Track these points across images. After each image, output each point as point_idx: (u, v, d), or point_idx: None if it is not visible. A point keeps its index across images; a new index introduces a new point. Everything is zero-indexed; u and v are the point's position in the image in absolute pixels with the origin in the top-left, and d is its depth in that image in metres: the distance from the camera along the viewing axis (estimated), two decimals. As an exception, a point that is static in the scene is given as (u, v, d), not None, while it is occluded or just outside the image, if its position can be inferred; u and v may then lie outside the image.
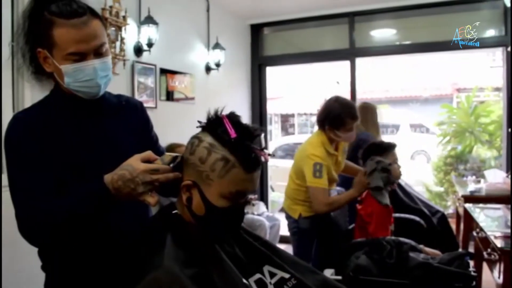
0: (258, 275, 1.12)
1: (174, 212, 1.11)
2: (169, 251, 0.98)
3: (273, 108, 10.03)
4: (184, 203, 1.07)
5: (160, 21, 3.28)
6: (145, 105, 1.43)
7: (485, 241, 2.43)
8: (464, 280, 1.83)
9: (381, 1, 4.28)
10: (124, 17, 2.99)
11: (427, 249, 2.23)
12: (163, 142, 1.55)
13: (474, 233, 2.69)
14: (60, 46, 1.11)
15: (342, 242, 2.39)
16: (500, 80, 5.01)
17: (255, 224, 3.84)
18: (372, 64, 9.06)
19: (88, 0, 1.17)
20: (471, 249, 3.19)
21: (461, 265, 1.89)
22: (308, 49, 4.91)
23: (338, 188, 2.68)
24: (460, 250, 3.03)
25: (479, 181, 4.04)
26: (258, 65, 5.01)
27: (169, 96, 3.59)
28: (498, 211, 2.92)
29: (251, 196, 3.77)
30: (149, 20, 3.22)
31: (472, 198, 3.56)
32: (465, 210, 3.24)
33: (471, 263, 1.95)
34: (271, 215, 4.43)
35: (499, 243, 2.14)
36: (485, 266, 2.75)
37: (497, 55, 7.10)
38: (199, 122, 1.08)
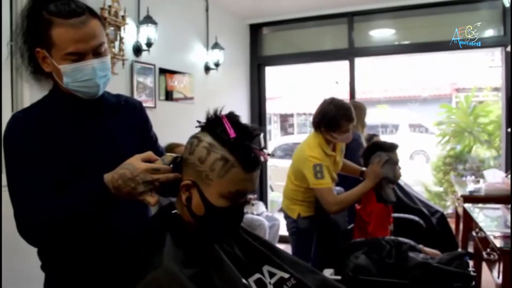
0: (257, 275, 1.12)
1: (173, 212, 1.10)
2: (169, 251, 0.98)
3: (272, 108, 10.03)
4: (183, 203, 1.07)
5: (159, 21, 3.28)
6: (144, 105, 1.42)
7: (485, 241, 2.43)
8: (463, 280, 1.83)
9: (380, 1, 4.28)
10: (123, 16, 2.99)
11: (427, 249, 2.23)
12: (162, 142, 1.55)
13: (474, 233, 2.69)
14: (58, 46, 1.11)
15: (342, 242, 2.39)
16: (499, 80, 5.02)
17: (255, 224, 3.84)
18: (371, 64, 9.08)
19: (87, -1, 1.17)
20: (470, 249, 3.20)
21: (461, 265, 1.90)
22: (307, 49, 4.91)
23: (337, 188, 2.67)
24: (460, 250, 3.04)
25: (478, 181, 4.04)
26: (257, 65, 5.01)
27: (168, 96, 3.59)
28: (498, 211, 2.92)
29: (250, 196, 3.78)
30: (148, 19, 3.21)
31: (471, 198, 3.57)
32: (464, 210, 3.24)
33: (471, 263, 1.96)
34: (271, 215, 4.43)
35: (498, 243, 2.14)
36: (484, 266, 2.76)
37: (496, 55, 7.12)
38: (198, 122, 1.08)
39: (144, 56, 3.28)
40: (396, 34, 4.62)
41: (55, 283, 1.22)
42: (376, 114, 9.96)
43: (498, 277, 2.21)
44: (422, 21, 4.47)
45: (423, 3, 4.19)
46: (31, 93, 2.22)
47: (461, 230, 3.81)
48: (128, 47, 3.13)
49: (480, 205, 3.15)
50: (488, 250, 2.31)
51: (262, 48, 5.05)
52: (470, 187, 3.83)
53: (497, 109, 5.67)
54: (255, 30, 4.98)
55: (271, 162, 5.81)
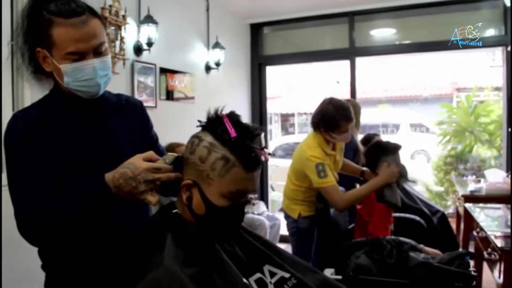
0: (258, 275, 1.12)
1: (174, 211, 1.10)
2: (169, 250, 0.98)
3: (273, 107, 10.03)
4: (184, 202, 1.07)
5: (159, 21, 3.28)
6: (145, 104, 1.42)
7: (485, 241, 2.43)
8: (464, 280, 1.83)
9: (381, 1, 4.28)
10: (123, 16, 2.99)
11: (427, 249, 2.23)
12: (163, 141, 1.55)
13: (474, 233, 2.68)
14: (59, 45, 1.11)
15: (342, 241, 2.39)
16: (500, 79, 5.01)
17: (255, 223, 3.84)
18: (372, 64, 9.07)
19: (88, -1, 1.17)
20: (471, 249, 3.19)
21: (462, 264, 1.89)
22: (308, 48, 4.91)
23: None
24: (460, 249, 3.04)
25: (479, 181, 4.04)
26: (258, 64, 5.01)
27: (169, 96, 3.59)
28: (498, 210, 2.92)
29: (251, 196, 3.77)
30: (149, 19, 3.21)
31: (472, 198, 3.56)
32: (465, 210, 3.24)
33: (472, 262, 1.95)
34: (271, 215, 4.43)
35: (499, 243, 2.14)
36: (485, 265, 2.75)
37: (497, 54, 7.10)
38: (199, 121, 1.08)
39: (145, 56, 3.28)
40: (397, 34, 4.61)
41: (56, 282, 1.22)
42: (377, 114, 9.96)
43: (499, 277, 2.21)
44: (423, 21, 4.47)
45: (424, 3, 4.19)
46: (32, 93, 2.22)
47: (462, 230, 3.81)
48: (129, 46, 3.14)
49: (481, 205, 3.15)
50: (489, 250, 2.31)
51: (263, 48, 5.05)
52: (471, 186, 3.83)
53: (498, 109, 5.67)
54: (256, 30, 4.98)
55: (271, 162, 5.81)
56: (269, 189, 5.24)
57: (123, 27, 2.99)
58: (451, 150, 6.09)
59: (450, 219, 3.25)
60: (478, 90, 7.23)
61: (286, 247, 1.81)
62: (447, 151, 6.15)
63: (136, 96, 3.12)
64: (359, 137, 3.47)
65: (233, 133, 1.01)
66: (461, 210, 3.88)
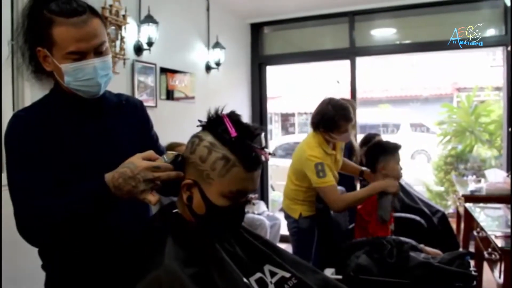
0: (258, 274, 1.11)
1: (174, 211, 1.10)
2: (170, 250, 0.98)
3: (273, 107, 10.03)
4: (184, 202, 1.07)
5: (160, 20, 3.27)
6: (145, 104, 1.42)
7: (486, 241, 2.43)
8: (464, 280, 1.83)
9: (381, 1, 4.28)
10: (124, 16, 2.99)
11: (428, 249, 2.23)
12: (163, 141, 1.55)
13: (475, 233, 2.68)
14: (60, 45, 1.10)
15: (342, 241, 2.39)
16: (500, 79, 5.01)
17: (256, 223, 3.84)
18: (372, 63, 9.06)
19: (88, -1, 1.17)
20: (471, 249, 3.19)
21: (462, 264, 1.89)
22: (308, 48, 4.91)
23: (338, 187, 2.67)
24: (461, 249, 3.03)
25: (479, 181, 4.04)
26: (258, 64, 5.00)
27: (169, 95, 3.59)
28: (499, 210, 2.92)
29: (251, 195, 3.77)
30: (149, 19, 3.21)
31: (473, 198, 3.56)
32: (466, 210, 3.24)
33: (472, 262, 1.95)
34: (272, 215, 4.43)
35: (499, 243, 2.14)
36: (485, 265, 2.75)
37: (498, 54, 7.09)
38: (200, 121, 1.08)
39: (145, 56, 3.28)
40: (397, 34, 4.61)
41: (56, 282, 1.22)
42: (377, 114, 9.96)
43: (499, 277, 2.21)
44: (423, 21, 4.47)
45: (424, 3, 4.19)
46: (32, 92, 2.22)
47: (462, 230, 3.81)
48: (129, 46, 3.13)
49: (481, 204, 3.15)
50: (489, 250, 2.31)
51: (263, 48, 5.04)
52: (471, 186, 3.82)
53: (499, 109, 5.67)
54: (256, 30, 4.98)
55: (272, 162, 5.81)
56: (269, 189, 5.24)
57: (123, 27, 2.98)
58: (452, 150, 6.09)
59: (450, 219, 3.25)
60: (479, 90, 7.23)
61: (287, 247, 1.81)
62: (447, 151, 6.15)
63: (136, 95, 3.12)
64: (359, 137, 3.48)
65: (233, 132, 1.01)
66: (461, 210, 3.88)
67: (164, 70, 3.50)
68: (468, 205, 3.16)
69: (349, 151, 3.24)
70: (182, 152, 1.10)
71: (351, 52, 4.57)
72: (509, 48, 3.92)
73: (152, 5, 3.27)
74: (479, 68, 9.28)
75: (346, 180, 2.89)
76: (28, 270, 1.85)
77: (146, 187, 1.03)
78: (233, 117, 1.06)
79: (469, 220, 3.25)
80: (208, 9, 4.11)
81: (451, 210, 5.16)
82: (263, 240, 1.23)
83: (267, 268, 1.14)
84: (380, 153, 2.45)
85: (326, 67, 9.41)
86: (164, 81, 3.51)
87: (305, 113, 11.32)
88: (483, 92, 7.98)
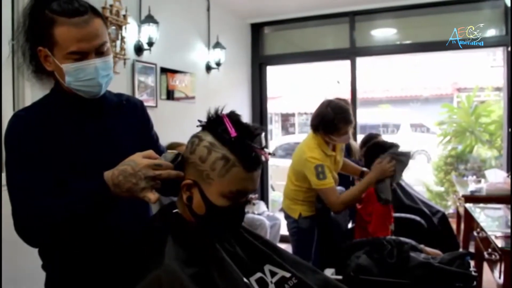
0: (259, 274, 1.12)
1: (174, 211, 1.10)
2: (170, 250, 0.98)
3: (273, 107, 10.03)
4: (184, 202, 1.07)
5: (160, 20, 3.27)
6: (145, 104, 1.42)
7: (486, 241, 2.43)
8: (464, 280, 1.83)
9: (382, 1, 4.28)
10: (124, 16, 2.99)
11: (428, 249, 2.23)
12: (164, 141, 1.55)
13: (475, 233, 2.68)
14: (61, 45, 1.10)
15: (342, 241, 2.39)
16: (500, 80, 5.01)
17: (256, 223, 3.84)
18: (372, 64, 9.05)
19: (89, -1, 1.17)
20: (471, 249, 3.19)
21: (462, 265, 1.89)
22: (308, 48, 4.91)
23: (338, 187, 2.67)
24: (461, 250, 3.04)
25: (479, 181, 4.04)
26: (259, 64, 5.00)
27: (170, 95, 3.59)
28: (499, 211, 2.92)
29: (251, 196, 3.77)
30: (150, 19, 3.21)
31: (473, 198, 3.56)
32: (466, 210, 3.24)
33: (472, 263, 1.95)
34: (272, 215, 4.43)
35: (499, 243, 2.14)
36: (485, 266, 2.75)
37: (498, 54, 7.09)
38: (200, 121, 1.08)
39: (146, 56, 3.28)
40: (398, 34, 4.61)
41: (56, 282, 1.22)
42: (377, 114, 9.96)
43: (500, 277, 2.21)
44: (424, 21, 4.47)
45: (425, 3, 4.19)
46: (33, 92, 2.22)
47: (462, 230, 3.81)
48: (130, 46, 3.14)
49: (481, 205, 3.15)
50: (489, 250, 2.31)
51: (264, 48, 5.04)
52: (472, 187, 3.83)
53: (499, 109, 5.67)
54: (257, 30, 4.98)
55: (272, 162, 5.81)
56: (269, 189, 5.24)
57: (123, 27, 2.98)
58: (452, 150, 6.09)
59: (450, 219, 3.25)
60: (479, 90, 7.23)
61: (287, 247, 1.81)
62: (447, 151, 6.15)
63: (137, 95, 3.12)
64: (359, 137, 3.48)
65: (233, 132, 1.01)
66: (461, 210, 3.88)
67: (164, 70, 3.50)
68: (468, 205, 3.16)
69: (347, 149, 3.24)
70: (182, 152, 1.10)
71: (351, 52, 4.57)
72: (509, 49, 3.92)
73: (153, 5, 3.27)
74: (480, 69, 9.28)
75: (347, 181, 2.89)
76: (28, 270, 1.85)
77: (147, 184, 1.03)
78: (233, 117, 1.06)
79: (469, 220, 3.25)
80: (208, 9, 4.11)
81: (451, 211, 5.16)
82: (263, 240, 1.23)
83: (267, 268, 1.14)
84: (378, 152, 2.45)
85: (326, 67, 9.40)
86: (164, 81, 3.51)
87: (305, 113, 11.33)
88: (483, 93, 7.98)
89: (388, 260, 1.93)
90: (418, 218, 2.80)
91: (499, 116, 5.64)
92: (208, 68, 4.13)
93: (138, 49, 3.21)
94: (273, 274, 1.14)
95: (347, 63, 4.63)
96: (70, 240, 1.12)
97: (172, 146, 3.04)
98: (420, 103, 10.73)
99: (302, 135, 9.34)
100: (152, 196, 1.04)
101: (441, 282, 1.84)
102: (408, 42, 4.64)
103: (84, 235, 1.12)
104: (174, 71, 3.63)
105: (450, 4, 4.19)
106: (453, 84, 10.35)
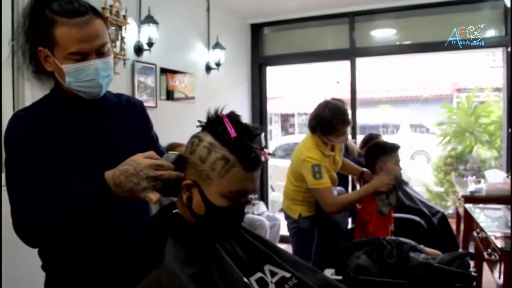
0: (259, 274, 1.12)
1: (174, 211, 1.10)
2: (170, 250, 0.98)
3: (273, 107, 10.03)
4: (184, 202, 1.07)
5: (160, 21, 3.28)
6: (145, 104, 1.42)
7: (486, 242, 2.43)
8: (464, 281, 1.83)
9: (382, 1, 4.28)
10: (124, 16, 2.99)
11: (428, 249, 2.23)
12: (163, 141, 1.55)
13: (475, 234, 2.68)
14: (61, 45, 1.10)
15: (342, 242, 2.39)
16: (500, 80, 5.02)
17: (255, 223, 3.84)
18: (372, 64, 9.06)
19: (89, -1, 1.17)
20: (471, 250, 3.19)
21: (462, 265, 1.90)
22: (308, 48, 4.91)
23: (338, 188, 2.67)
24: (461, 250, 3.03)
25: (479, 181, 4.04)
26: (259, 64, 5.01)
27: (169, 96, 3.59)
28: (499, 211, 2.92)
29: (251, 196, 3.77)
30: (150, 19, 3.21)
31: (472, 199, 3.56)
32: (465, 211, 3.24)
33: (472, 263, 1.96)
34: (271, 215, 4.43)
35: (499, 244, 2.14)
36: (485, 266, 2.75)
37: (497, 55, 7.10)
38: (199, 121, 1.08)
39: (145, 56, 3.28)
40: (398, 34, 4.61)
41: (56, 282, 1.22)
42: (377, 114, 9.96)
43: (499, 278, 2.21)
44: (424, 21, 4.47)
45: (425, 3, 4.19)
46: (32, 92, 2.22)
47: (462, 231, 3.81)
48: (129, 46, 3.14)
49: (481, 205, 3.15)
50: (489, 250, 2.31)
51: (263, 48, 5.05)
52: (471, 187, 3.83)
53: (498, 110, 5.67)
54: (256, 30, 4.98)
55: (271, 162, 5.81)
56: (269, 189, 5.24)
57: (123, 27, 2.99)
58: (451, 151, 6.10)
59: (450, 220, 3.25)
60: (479, 91, 7.23)
61: (286, 247, 1.81)
62: (447, 151, 6.16)
63: (137, 96, 3.12)
64: (359, 137, 3.48)
65: (233, 133, 1.01)
66: (461, 211, 3.88)
67: (164, 71, 3.50)
68: (468, 205, 3.16)
69: (345, 148, 3.24)
70: (182, 153, 1.10)
71: (351, 53, 4.57)
72: (509, 49, 3.92)
73: (153, 5, 3.27)
74: (479, 69, 9.28)
75: (341, 179, 2.88)
76: (28, 270, 1.85)
77: (148, 184, 1.03)
78: (233, 117, 1.06)
79: (469, 220, 3.25)
80: (208, 10, 4.12)
81: (450, 211, 5.17)
82: (263, 240, 1.23)
83: (267, 268, 1.14)
84: (378, 153, 2.45)
85: (326, 68, 9.40)
86: (164, 82, 3.51)
87: (305, 114, 11.32)
88: (483, 93, 7.98)
89: (388, 261, 1.93)
90: (418, 219, 2.80)
91: (498, 116, 5.64)
92: (208, 68, 4.13)
93: (138, 50, 3.21)
94: (273, 274, 1.14)
95: (347, 63, 4.63)
96: (70, 240, 1.12)
97: (172, 146, 3.04)
98: (419, 103, 10.73)
99: (301, 135, 9.29)
100: (153, 196, 1.04)
101: (441, 282, 1.85)
102: (408, 42, 4.64)
103: (84, 235, 1.12)
104: (174, 72, 3.63)
105: (450, 4, 4.19)
106: (452, 85, 10.35)
